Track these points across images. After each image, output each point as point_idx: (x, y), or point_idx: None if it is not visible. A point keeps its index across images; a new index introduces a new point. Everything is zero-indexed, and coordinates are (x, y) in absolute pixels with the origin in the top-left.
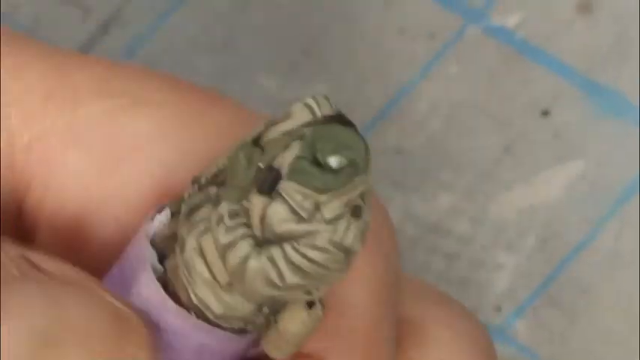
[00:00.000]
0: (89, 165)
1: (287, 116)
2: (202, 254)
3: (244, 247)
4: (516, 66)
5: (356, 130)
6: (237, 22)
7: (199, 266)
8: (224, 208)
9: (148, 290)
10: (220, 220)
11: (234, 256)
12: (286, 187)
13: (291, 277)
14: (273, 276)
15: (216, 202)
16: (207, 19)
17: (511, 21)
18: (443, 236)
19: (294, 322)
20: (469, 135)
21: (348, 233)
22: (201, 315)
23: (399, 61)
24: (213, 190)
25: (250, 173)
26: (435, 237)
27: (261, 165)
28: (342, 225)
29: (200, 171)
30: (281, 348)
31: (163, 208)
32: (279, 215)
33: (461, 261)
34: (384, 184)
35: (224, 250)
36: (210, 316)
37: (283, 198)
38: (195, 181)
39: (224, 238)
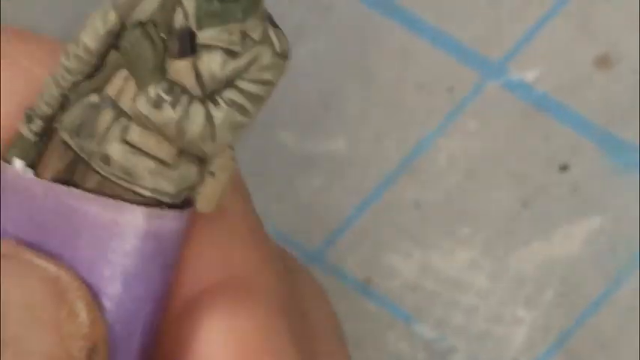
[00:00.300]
0: None
1: None
2: (139, 149)
3: (199, 109)
4: (535, 120)
5: None
6: None
7: (143, 162)
8: (152, 91)
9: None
10: (160, 100)
11: (195, 123)
12: (207, 35)
13: (252, 109)
14: (238, 117)
15: (113, 104)
16: None
17: (530, 75)
18: (462, 291)
19: (226, 169)
20: (488, 190)
21: (282, 39)
22: (153, 204)
23: (418, 116)
24: (93, 97)
25: (159, 48)
26: (453, 292)
27: (163, 35)
28: (273, 36)
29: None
30: (214, 199)
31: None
32: (216, 63)
33: (479, 315)
34: (403, 238)
35: (180, 124)
36: (167, 200)
37: (209, 46)
38: (33, 114)
39: (174, 114)
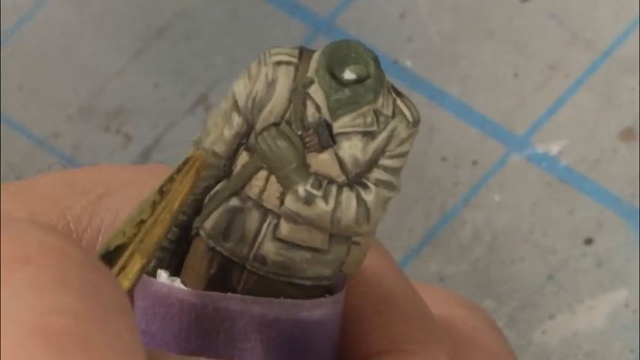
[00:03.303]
0: None
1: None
2: (293, 243)
3: (350, 197)
4: (559, 193)
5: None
6: None
7: (299, 255)
8: (301, 189)
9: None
10: (311, 197)
11: (349, 211)
12: (342, 123)
13: (397, 181)
14: (387, 194)
15: (257, 204)
16: None
17: (554, 148)
18: None
19: (369, 234)
20: (512, 263)
21: (411, 107)
22: (315, 292)
23: (442, 188)
24: (234, 201)
25: (298, 146)
26: None
27: (299, 132)
28: (403, 107)
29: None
30: (360, 264)
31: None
32: (357, 148)
33: None
34: None
35: (334, 215)
36: (326, 283)
37: (347, 133)
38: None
39: (327, 207)
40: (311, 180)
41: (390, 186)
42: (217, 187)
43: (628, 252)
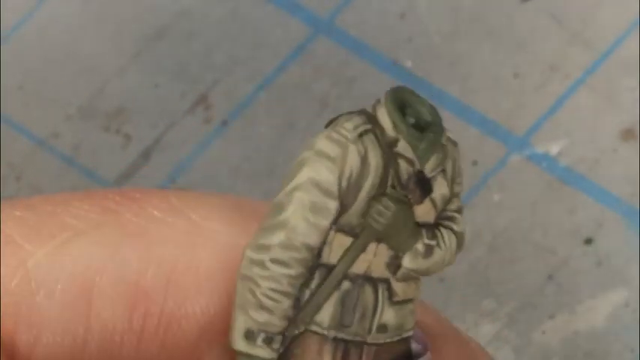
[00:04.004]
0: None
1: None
2: (403, 300)
3: (450, 235)
4: (559, 193)
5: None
6: (279, 149)
7: (408, 309)
8: (420, 246)
9: None
10: (429, 249)
11: (453, 248)
12: (430, 168)
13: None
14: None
15: (366, 278)
16: (248, 146)
17: (554, 148)
18: None
19: None
20: (512, 263)
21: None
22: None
23: None
24: (345, 285)
25: (410, 208)
26: None
27: (399, 190)
28: (446, 132)
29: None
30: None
31: None
32: (444, 187)
33: None
34: None
35: (445, 258)
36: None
37: (435, 176)
38: (269, 334)
39: (442, 251)
40: (424, 232)
41: (462, 210)
42: (316, 279)
43: (628, 252)
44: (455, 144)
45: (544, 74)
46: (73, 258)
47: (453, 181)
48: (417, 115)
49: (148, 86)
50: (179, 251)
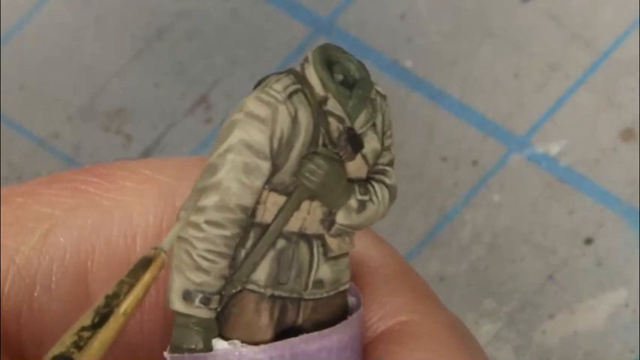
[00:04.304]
0: None
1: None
2: (338, 255)
3: (382, 188)
4: (559, 193)
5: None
6: None
7: (344, 263)
8: (353, 202)
9: None
10: (362, 204)
11: (386, 200)
12: (360, 124)
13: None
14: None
15: (301, 236)
16: None
17: (554, 148)
18: None
19: None
20: (512, 263)
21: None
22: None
23: (442, 188)
24: (280, 244)
25: (342, 165)
26: None
27: (330, 148)
28: (376, 86)
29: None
30: None
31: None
32: (375, 141)
33: None
34: None
35: (379, 210)
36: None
37: (365, 131)
38: (206, 294)
39: (375, 205)
40: (357, 188)
41: (393, 162)
42: (251, 239)
43: (628, 252)
44: (384, 97)
45: (544, 74)
46: (60, 247)
47: (383, 135)
48: (344, 72)
49: (148, 86)
50: (159, 215)
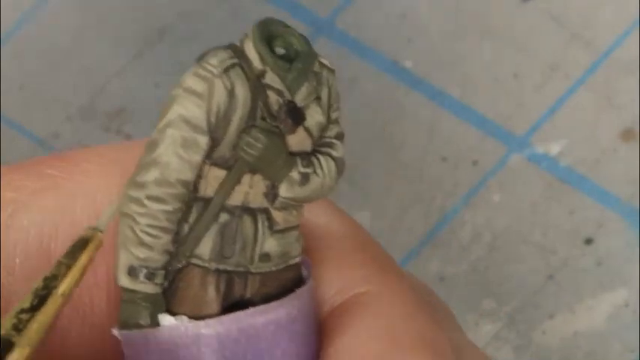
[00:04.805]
0: None
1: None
2: (285, 228)
3: (328, 160)
4: (559, 194)
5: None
6: None
7: (291, 236)
8: (295, 174)
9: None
10: (305, 176)
11: (332, 173)
12: (301, 97)
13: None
14: (343, 143)
15: (245, 209)
16: None
17: (554, 149)
18: None
19: None
20: (512, 263)
21: (321, 54)
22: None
23: (442, 188)
24: (222, 218)
25: (281, 138)
26: None
27: (268, 121)
28: (322, 59)
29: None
30: None
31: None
32: (318, 113)
33: None
34: None
35: (324, 183)
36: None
37: (308, 104)
38: (151, 269)
39: (320, 177)
40: (299, 161)
41: (342, 135)
42: (194, 213)
43: (628, 252)
44: (332, 71)
45: (544, 74)
46: (23, 229)
47: (329, 108)
48: (286, 46)
49: (148, 86)
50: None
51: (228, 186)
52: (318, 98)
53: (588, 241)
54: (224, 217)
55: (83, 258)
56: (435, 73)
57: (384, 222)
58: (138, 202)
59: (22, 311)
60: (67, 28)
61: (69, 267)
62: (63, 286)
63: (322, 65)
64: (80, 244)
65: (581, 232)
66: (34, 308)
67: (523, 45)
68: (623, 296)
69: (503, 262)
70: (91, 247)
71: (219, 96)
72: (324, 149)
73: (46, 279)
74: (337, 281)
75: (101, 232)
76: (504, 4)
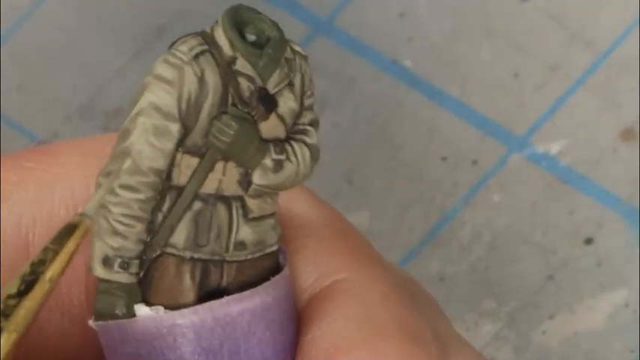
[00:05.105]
0: None
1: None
2: (260, 216)
3: (302, 147)
4: (559, 193)
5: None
6: None
7: (267, 224)
8: (268, 161)
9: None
10: (278, 163)
11: (306, 160)
12: (273, 84)
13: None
14: (317, 130)
15: (218, 197)
16: None
17: (554, 148)
18: None
19: None
20: (512, 263)
21: (294, 41)
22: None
23: (442, 189)
24: (196, 205)
25: (252, 125)
26: None
27: (240, 108)
28: (294, 45)
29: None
30: None
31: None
32: (291, 100)
33: None
34: None
35: (298, 170)
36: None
37: (280, 91)
38: (125, 259)
39: (293, 164)
40: (272, 148)
41: (317, 122)
42: (168, 202)
43: (628, 252)
44: (304, 57)
45: (544, 74)
46: (2, 220)
47: (302, 95)
48: (258, 33)
49: None
50: None
51: (200, 174)
52: (291, 85)
53: (588, 241)
54: (198, 205)
55: (70, 243)
56: (435, 72)
57: (384, 222)
58: (111, 191)
59: (9, 297)
60: (66, 27)
61: (56, 252)
62: (50, 272)
63: (295, 52)
64: (67, 230)
65: (581, 232)
66: (21, 294)
67: (523, 45)
68: (623, 296)
69: (503, 262)
70: (78, 232)
71: (190, 83)
72: (298, 136)
73: (33, 264)
74: (316, 269)
75: (89, 218)
76: (504, 4)
